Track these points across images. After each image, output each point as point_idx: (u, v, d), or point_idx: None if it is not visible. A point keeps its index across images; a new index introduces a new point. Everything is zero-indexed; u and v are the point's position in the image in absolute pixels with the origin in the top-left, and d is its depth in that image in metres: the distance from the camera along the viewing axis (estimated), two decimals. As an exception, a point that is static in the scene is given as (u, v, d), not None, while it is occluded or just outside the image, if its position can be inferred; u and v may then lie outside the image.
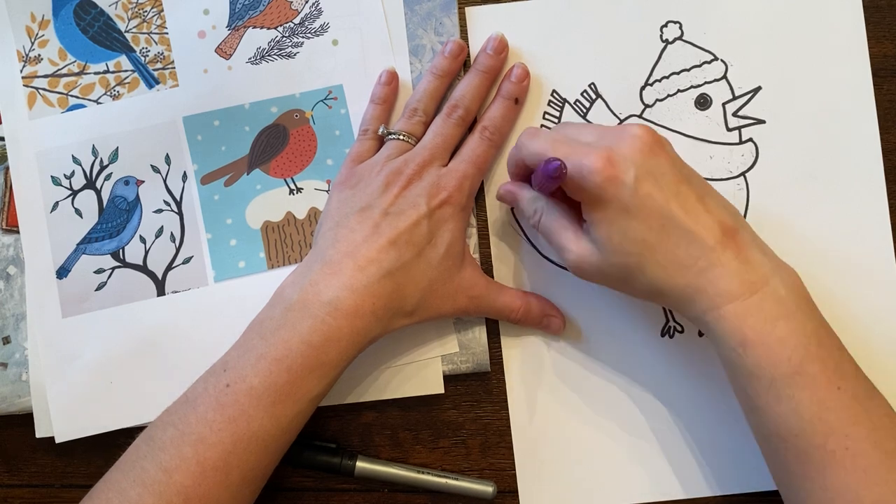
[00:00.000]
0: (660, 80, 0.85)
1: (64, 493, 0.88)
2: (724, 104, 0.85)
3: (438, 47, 0.86)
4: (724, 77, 0.85)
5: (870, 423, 0.67)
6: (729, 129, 0.84)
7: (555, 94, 0.85)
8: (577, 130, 0.75)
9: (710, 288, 0.69)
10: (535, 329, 0.85)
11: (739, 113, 0.84)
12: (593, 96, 0.85)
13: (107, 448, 0.85)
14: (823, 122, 0.84)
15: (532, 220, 0.78)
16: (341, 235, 0.77)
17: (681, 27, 0.85)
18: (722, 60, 0.84)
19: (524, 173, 0.78)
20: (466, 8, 0.86)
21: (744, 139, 0.84)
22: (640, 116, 0.85)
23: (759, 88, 0.84)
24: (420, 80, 0.84)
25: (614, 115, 0.85)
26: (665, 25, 0.85)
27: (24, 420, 0.86)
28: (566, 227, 0.75)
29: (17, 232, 0.86)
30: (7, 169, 0.87)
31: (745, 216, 0.84)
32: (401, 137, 0.82)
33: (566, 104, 0.85)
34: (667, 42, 0.85)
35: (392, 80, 0.85)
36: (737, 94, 0.84)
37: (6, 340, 0.86)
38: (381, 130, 0.83)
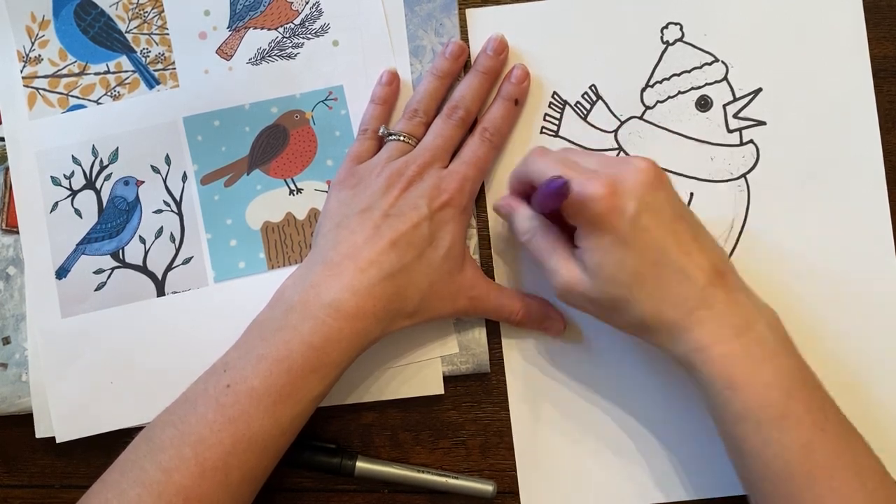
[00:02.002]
0: (660, 82, 0.85)
1: (64, 494, 0.88)
2: (724, 106, 0.85)
3: (439, 48, 0.86)
4: (725, 78, 0.85)
5: (854, 463, 0.68)
6: (730, 131, 0.84)
7: (555, 96, 0.85)
8: (582, 156, 0.75)
9: (698, 328, 0.69)
10: (535, 331, 0.85)
11: (740, 114, 0.84)
12: (594, 98, 0.85)
13: (107, 448, 0.85)
14: (824, 124, 0.84)
15: (524, 237, 0.77)
16: (342, 237, 0.77)
17: (681, 29, 0.85)
18: (723, 62, 0.84)
19: (525, 190, 0.78)
20: (467, 9, 0.86)
21: (744, 141, 0.84)
22: (640, 118, 0.85)
23: (759, 90, 0.84)
24: (420, 81, 0.84)
25: (615, 116, 0.85)
26: (666, 27, 0.85)
27: (24, 420, 0.86)
28: (558, 250, 0.74)
29: (17, 232, 0.86)
30: (7, 169, 0.87)
31: (745, 218, 0.84)
32: (401, 138, 0.82)
33: (567, 106, 0.85)
34: (667, 44, 0.85)
35: (393, 80, 0.85)
36: (737, 95, 0.84)
37: (6, 341, 0.86)
38: (381, 131, 0.83)
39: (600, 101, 0.85)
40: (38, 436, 0.85)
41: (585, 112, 0.85)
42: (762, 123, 0.84)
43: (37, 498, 0.89)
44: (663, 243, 0.69)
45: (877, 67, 0.84)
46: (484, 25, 0.86)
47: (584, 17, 0.85)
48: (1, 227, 0.87)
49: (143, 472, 0.70)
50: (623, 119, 0.85)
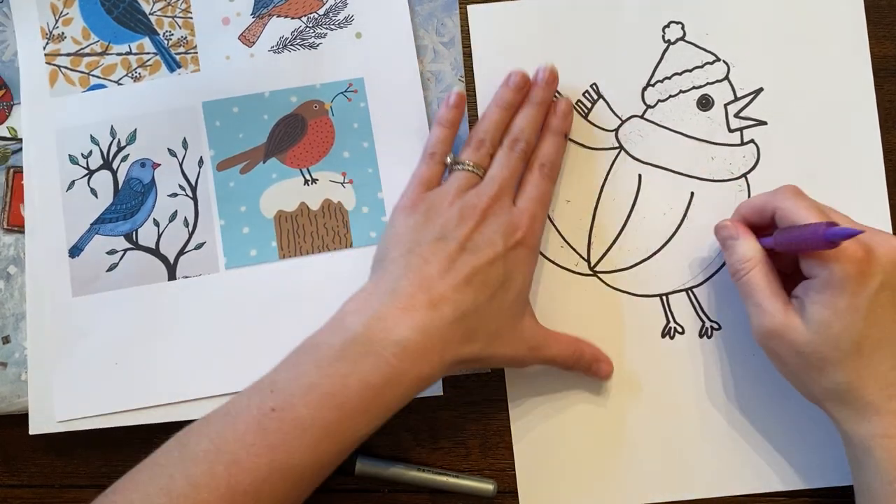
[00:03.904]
0: (662, 81, 0.86)
1: (64, 494, 0.87)
2: (725, 105, 0.86)
3: (440, 48, 0.87)
4: (726, 78, 0.86)
5: None
6: (731, 131, 0.85)
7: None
8: (836, 214, 0.75)
9: (891, 415, 0.70)
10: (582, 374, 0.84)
11: (741, 114, 0.85)
12: (595, 96, 0.86)
13: (106, 448, 0.85)
14: (825, 123, 0.85)
15: (745, 265, 0.75)
16: (414, 265, 0.75)
17: (683, 28, 0.86)
18: (724, 61, 0.86)
19: (757, 220, 0.77)
20: (468, 6, 0.87)
21: (745, 140, 0.85)
22: (641, 117, 0.86)
23: (760, 90, 0.85)
24: (485, 112, 0.84)
25: (616, 115, 0.86)
26: (667, 26, 0.86)
27: (24, 420, 0.85)
28: (777, 293, 0.73)
29: (19, 231, 0.86)
30: (8, 169, 0.87)
31: (746, 217, 0.85)
32: (469, 168, 0.80)
33: (568, 105, 0.86)
34: (669, 43, 0.86)
35: (461, 102, 0.84)
36: (738, 95, 0.86)
37: (6, 340, 0.85)
38: (448, 159, 0.82)
39: (601, 100, 0.86)
40: (31, 432, 0.84)
41: (586, 110, 0.87)
42: (763, 123, 0.85)
43: (37, 498, 0.87)
44: (891, 324, 0.70)
45: (877, 67, 0.85)
46: (485, 23, 0.87)
47: (586, 15, 0.87)
48: (2, 227, 0.87)
49: (172, 482, 0.67)
50: (624, 118, 0.86)
